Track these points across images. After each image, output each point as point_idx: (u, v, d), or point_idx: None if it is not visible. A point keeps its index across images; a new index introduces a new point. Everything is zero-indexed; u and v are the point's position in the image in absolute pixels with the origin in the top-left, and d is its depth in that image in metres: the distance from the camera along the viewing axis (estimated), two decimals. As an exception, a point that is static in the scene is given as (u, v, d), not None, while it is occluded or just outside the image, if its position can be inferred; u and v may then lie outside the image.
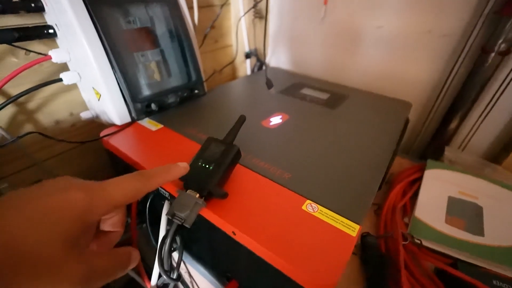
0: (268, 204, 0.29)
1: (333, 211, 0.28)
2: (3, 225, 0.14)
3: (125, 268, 0.21)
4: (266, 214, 0.27)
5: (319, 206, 0.29)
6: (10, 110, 0.40)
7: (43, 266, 0.14)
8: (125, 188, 0.20)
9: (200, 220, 0.29)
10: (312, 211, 0.28)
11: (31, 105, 0.42)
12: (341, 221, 0.27)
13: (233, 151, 0.29)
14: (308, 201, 0.29)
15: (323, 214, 0.28)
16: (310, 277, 0.22)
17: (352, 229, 0.26)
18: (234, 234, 0.26)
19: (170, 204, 0.33)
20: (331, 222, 0.27)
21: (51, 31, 0.37)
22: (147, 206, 0.39)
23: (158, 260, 0.28)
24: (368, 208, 0.29)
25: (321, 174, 0.34)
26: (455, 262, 0.36)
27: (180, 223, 0.26)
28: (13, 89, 0.40)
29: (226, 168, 0.29)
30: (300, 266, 0.23)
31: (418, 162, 0.56)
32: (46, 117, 0.45)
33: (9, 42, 0.35)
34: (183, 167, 0.26)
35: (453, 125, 0.56)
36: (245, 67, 0.78)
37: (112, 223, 0.23)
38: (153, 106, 0.44)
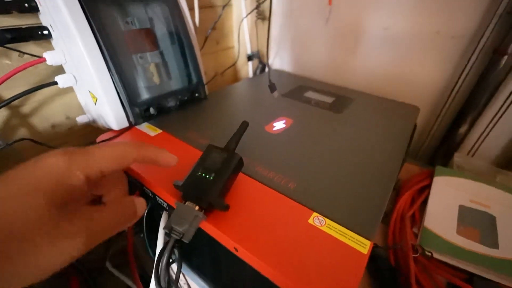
0: (272, 216, 0.27)
1: (341, 225, 0.26)
2: None
3: (132, 217, 0.21)
4: (270, 228, 0.26)
5: (326, 219, 0.27)
6: (3, 114, 0.39)
7: (33, 229, 0.14)
8: (110, 151, 0.20)
9: (200, 233, 0.27)
10: (319, 225, 0.26)
11: (26, 108, 0.41)
12: (351, 237, 0.25)
13: (235, 160, 0.28)
14: (315, 214, 0.27)
15: (331, 229, 0.26)
16: (319, 301, 0.20)
17: (363, 245, 0.24)
18: (237, 250, 0.24)
19: (169, 215, 0.31)
20: (340, 238, 0.25)
21: (45, 32, 0.36)
22: (145, 215, 0.37)
23: (154, 277, 0.27)
24: (379, 222, 0.27)
25: (328, 183, 0.32)
26: (470, 277, 0.34)
27: (178, 237, 0.24)
28: (7, 92, 0.38)
29: (228, 178, 0.27)
30: (307, 287, 0.21)
31: (426, 167, 0.54)
32: (41, 121, 0.43)
33: (1, 43, 0.33)
34: (173, 157, 0.25)
35: (462, 130, 0.54)
36: (247, 69, 0.77)
37: (115, 196, 0.23)
38: (151, 110, 0.42)
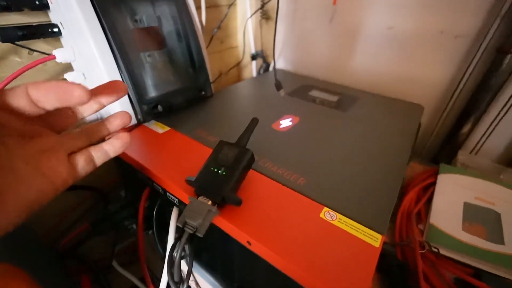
0: (283, 211, 0.27)
1: (353, 220, 0.27)
2: None
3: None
4: (282, 222, 0.26)
5: (337, 214, 0.27)
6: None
7: None
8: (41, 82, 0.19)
9: (212, 228, 0.27)
10: (331, 219, 0.27)
11: (34, 106, 0.41)
12: (362, 231, 0.26)
13: (247, 156, 0.28)
14: (326, 209, 0.28)
15: (342, 223, 0.26)
16: (334, 292, 0.21)
17: (374, 239, 0.25)
18: (250, 244, 0.25)
19: (179, 211, 0.32)
20: (352, 232, 0.25)
21: (55, 29, 0.36)
22: (154, 212, 0.37)
23: (167, 271, 0.27)
24: (389, 216, 0.28)
25: (338, 179, 0.32)
26: (477, 272, 0.34)
27: (192, 232, 0.24)
28: (16, 89, 0.38)
29: (240, 173, 0.27)
30: (321, 279, 0.21)
31: (429, 165, 0.55)
32: (49, 119, 0.43)
33: (13, 40, 0.33)
34: (83, 88, 0.20)
35: (466, 128, 0.54)
36: (251, 68, 0.77)
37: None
38: (159, 107, 0.43)
